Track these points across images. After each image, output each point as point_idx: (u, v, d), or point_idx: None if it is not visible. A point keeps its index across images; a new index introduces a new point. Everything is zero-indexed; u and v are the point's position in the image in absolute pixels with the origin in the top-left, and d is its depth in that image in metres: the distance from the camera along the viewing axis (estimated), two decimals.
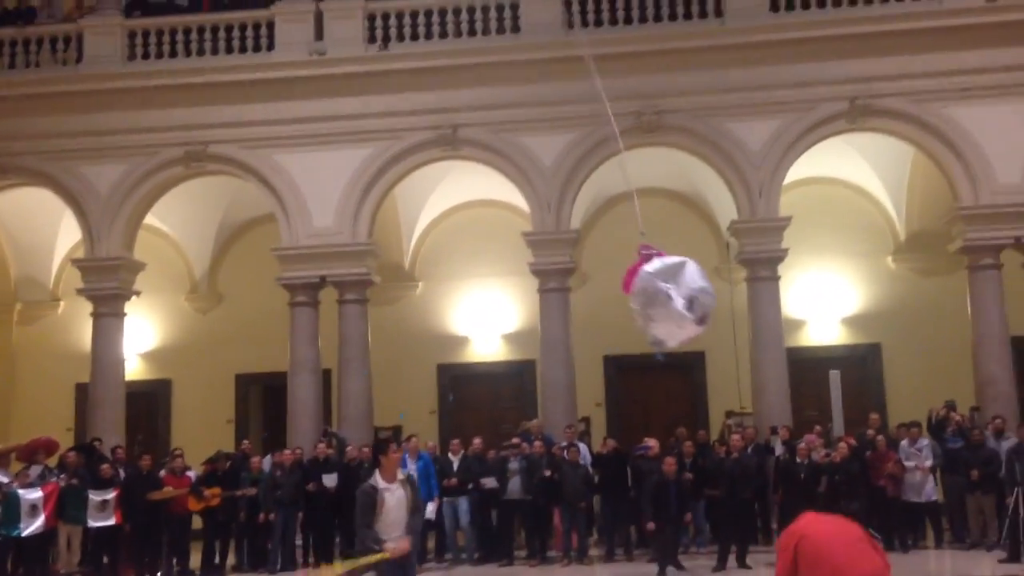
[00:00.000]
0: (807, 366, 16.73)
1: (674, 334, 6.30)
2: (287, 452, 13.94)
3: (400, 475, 6.57)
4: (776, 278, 15.36)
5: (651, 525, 11.82)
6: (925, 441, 13.34)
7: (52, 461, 13.56)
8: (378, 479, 6.41)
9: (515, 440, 13.77)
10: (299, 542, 13.63)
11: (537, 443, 13.58)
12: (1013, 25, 14.84)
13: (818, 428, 13.89)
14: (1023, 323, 14.78)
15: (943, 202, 15.84)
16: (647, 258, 6.43)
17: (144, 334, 18.85)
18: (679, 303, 6.06)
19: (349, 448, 13.99)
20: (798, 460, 12.79)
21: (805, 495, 11.99)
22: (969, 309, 14.95)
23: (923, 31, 15.04)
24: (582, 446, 13.89)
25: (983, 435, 13.28)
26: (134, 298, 16.72)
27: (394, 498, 6.36)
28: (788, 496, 12.53)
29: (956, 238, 15.31)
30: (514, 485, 13.16)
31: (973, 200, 14.89)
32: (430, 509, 12.60)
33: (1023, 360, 14.73)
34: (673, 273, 6.22)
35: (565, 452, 13.20)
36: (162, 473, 13.59)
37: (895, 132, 15.50)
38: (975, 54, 14.88)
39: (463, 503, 13.39)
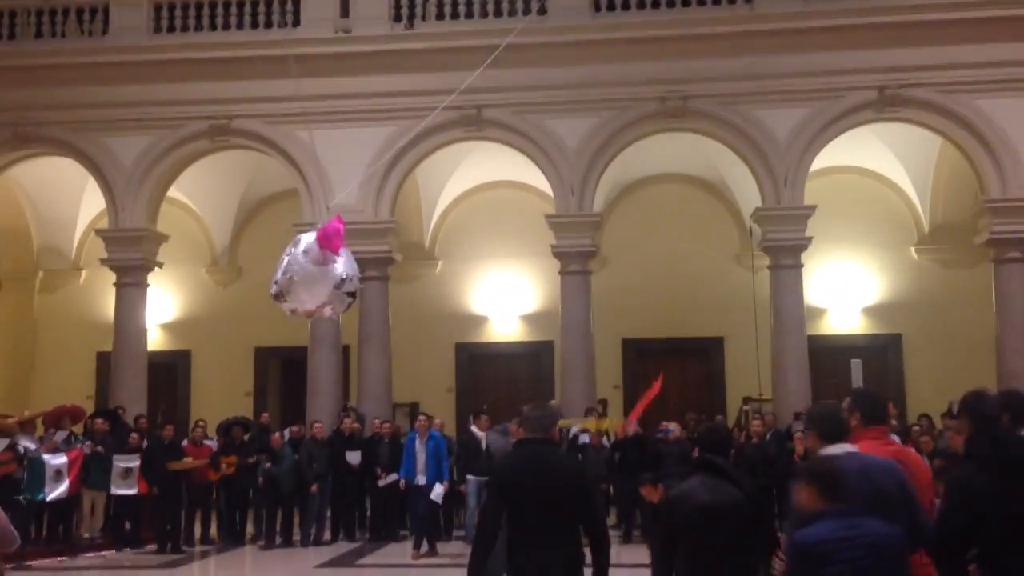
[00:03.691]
0: (826, 355, 16.65)
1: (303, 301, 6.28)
2: (318, 425, 14.05)
3: None
4: (799, 266, 15.29)
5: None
6: None
7: (76, 428, 13.71)
8: None
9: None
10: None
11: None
12: None
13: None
14: None
15: (969, 194, 15.74)
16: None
17: (165, 305, 18.95)
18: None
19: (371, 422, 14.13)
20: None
21: None
22: (993, 302, 14.88)
23: (954, 22, 14.84)
24: None
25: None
26: (156, 269, 16.82)
27: None
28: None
29: (982, 231, 15.19)
30: None
31: (1001, 193, 14.76)
32: (438, 492, 12.28)
33: None
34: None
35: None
36: (184, 443, 13.70)
37: (924, 123, 15.36)
38: (1007, 47, 14.70)
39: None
